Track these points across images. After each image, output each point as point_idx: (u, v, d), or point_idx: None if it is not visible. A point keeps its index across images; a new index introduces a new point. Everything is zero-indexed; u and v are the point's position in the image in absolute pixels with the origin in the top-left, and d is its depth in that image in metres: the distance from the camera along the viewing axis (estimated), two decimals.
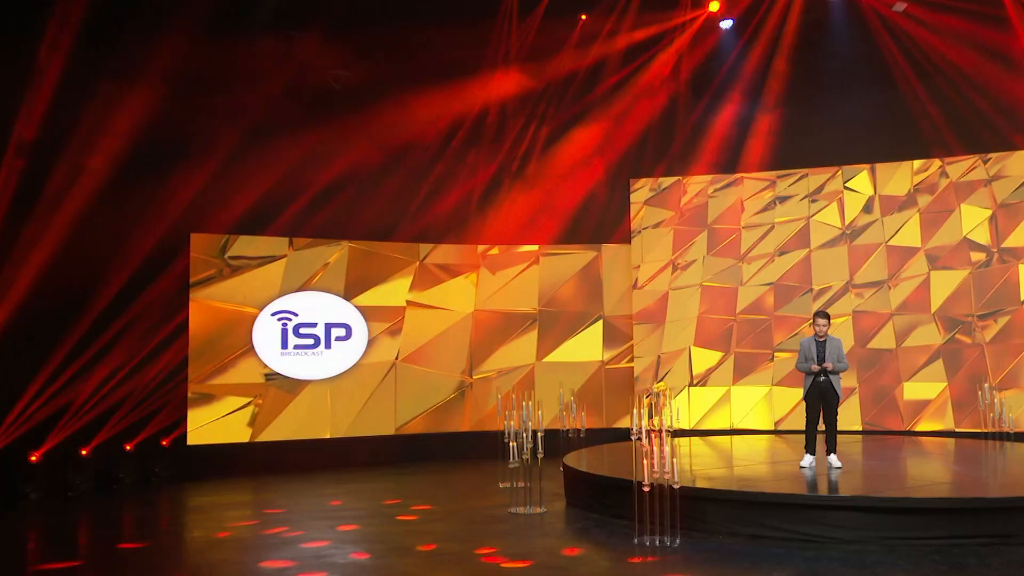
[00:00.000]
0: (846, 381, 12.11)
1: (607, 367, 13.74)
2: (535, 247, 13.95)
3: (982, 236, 12.29)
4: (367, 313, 12.97)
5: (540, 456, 8.75)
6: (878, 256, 12.79)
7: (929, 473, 8.58)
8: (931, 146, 12.59)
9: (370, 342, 12.93)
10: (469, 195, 13.64)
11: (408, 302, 13.22)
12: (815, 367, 8.60)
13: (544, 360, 13.62)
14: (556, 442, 10.79)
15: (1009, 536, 6.89)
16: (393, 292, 13.15)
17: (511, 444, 8.86)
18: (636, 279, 13.64)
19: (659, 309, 13.46)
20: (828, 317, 8.74)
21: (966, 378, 12.05)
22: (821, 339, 8.67)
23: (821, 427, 8.79)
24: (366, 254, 13.04)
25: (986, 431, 11.02)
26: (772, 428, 12.67)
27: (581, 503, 8.74)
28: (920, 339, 12.40)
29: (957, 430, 11.95)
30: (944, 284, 12.42)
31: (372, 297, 13.01)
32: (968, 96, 12.25)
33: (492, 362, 13.55)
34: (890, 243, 12.72)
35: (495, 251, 13.76)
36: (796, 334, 12.72)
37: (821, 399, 8.68)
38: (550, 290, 13.85)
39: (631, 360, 13.57)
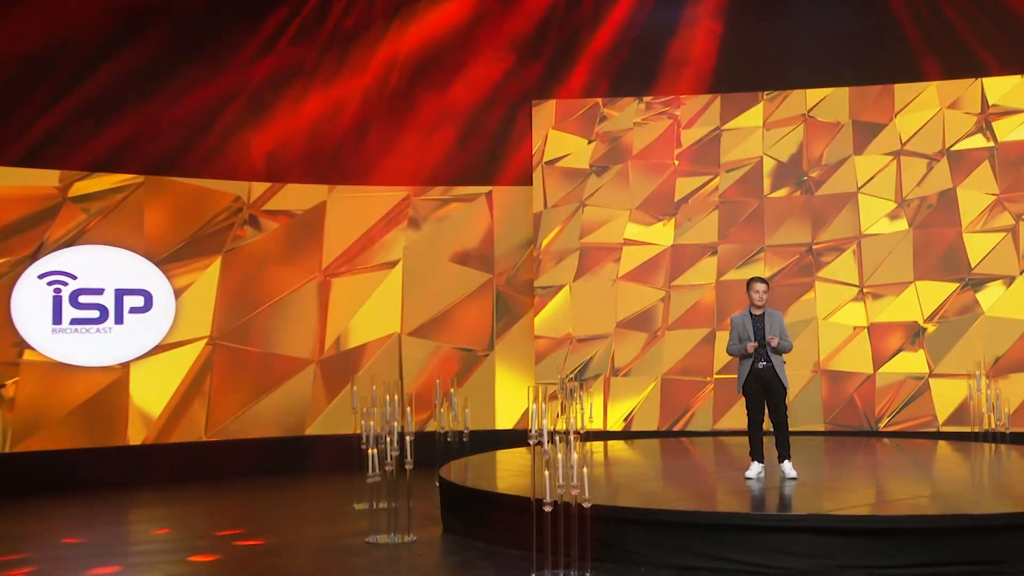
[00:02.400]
0: (799, 367, 12.47)
1: (499, 348, 13.97)
2: (403, 190, 14.01)
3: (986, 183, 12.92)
4: (173, 276, 12.83)
5: (409, 467, 8.76)
6: (850, 209, 13.29)
7: (906, 484, 8.79)
8: (924, 63, 13.23)
9: (178, 314, 12.83)
10: (313, 117, 13.62)
11: (231, 260, 13.16)
12: (750, 346, 8.80)
13: (413, 337, 13.79)
14: (430, 448, 10.91)
15: (1001, 562, 7.04)
16: (210, 245, 13.08)
17: (370, 452, 8.85)
18: (538, 235, 13.79)
19: (569, 274, 13.67)
20: (767, 283, 8.97)
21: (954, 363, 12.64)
22: (758, 312, 8.89)
23: (769, 427, 9.01)
24: (173, 195, 12.92)
25: (977, 431, 11.55)
26: (712, 429, 13.01)
27: (463, 528, 8.78)
28: (897, 314, 12.98)
29: (942, 430, 12.49)
30: (931, 245, 12.96)
31: (181, 254, 12.92)
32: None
33: (344, 337, 13.65)
34: (863, 191, 13.24)
35: (348, 194, 13.79)
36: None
37: (763, 392, 8.88)
38: (423, 247, 13.98)
39: (531, 341, 13.75)
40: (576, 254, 13.66)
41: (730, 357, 8.98)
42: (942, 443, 11.65)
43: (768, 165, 13.46)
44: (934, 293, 12.82)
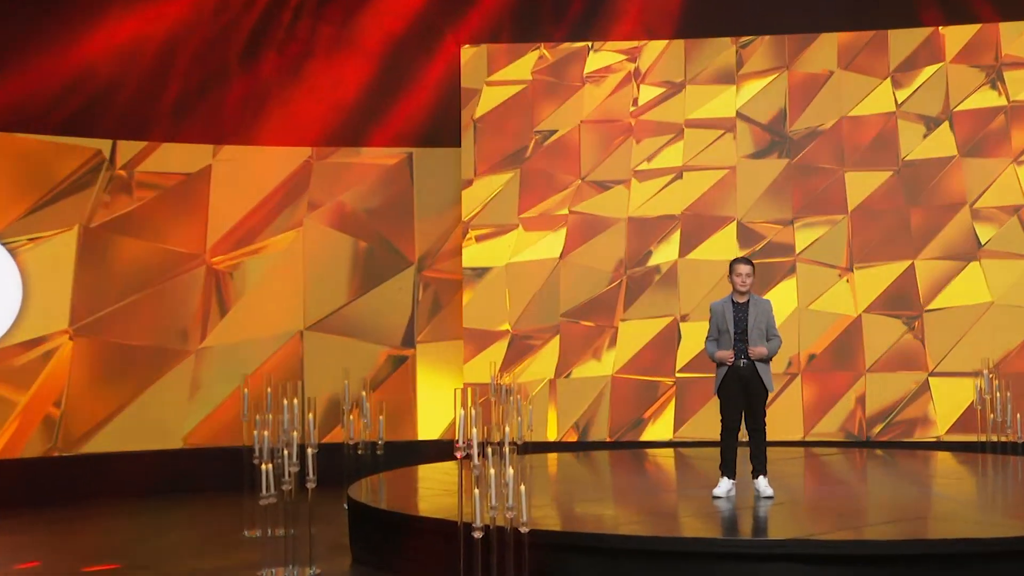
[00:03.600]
0: (774, 365, 12.46)
1: (421, 345, 13.95)
2: (306, 149, 13.90)
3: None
4: (20, 255, 12.66)
5: (311, 486, 8.72)
6: (836, 178, 13.35)
7: (901, 504, 8.90)
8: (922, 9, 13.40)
9: (24, 304, 12.66)
10: (189, 59, 13.50)
11: (88, 236, 13.02)
12: (726, 356, 8.81)
13: (316, 331, 13.72)
14: (338, 463, 10.86)
15: None
16: (63, 218, 12.91)
17: (264, 467, 8.76)
18: (468, 207, 13.70)
19: (505, 254, 13.63)
20: (752, 265, 8.98)
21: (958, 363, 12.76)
22: (742, 300, 8.92)
23: (744, 437, 9.02)
24: (17, 153, 12.74)
25: (984, 440, 11.62)
26: (672, 439, 13.09)
27: (375, 559, 8.78)
28: (892, 301, 13.07)
29: (944, 439, 12.69)
30: (933, 221, 13.12)
31: (29, 225, 12.72)
32: None
33: (233, 331, 13.58)
34: (852, 158, 13.33)
35: (237, 156, 13.70)
36: (712, 294, 12.92)
37: (743, 394, 8.89)
38: (328, 222, 13.89)
39: (459, 335, 13.74)
40: (515, 231, 13.63)
41: (709, 356, 8.98)
42: (943, 455, 11.79)
43: (742, 126, 13.54)
44: (936, 276, 12.98)
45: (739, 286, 8.87)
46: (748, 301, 8.89)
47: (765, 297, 9.52)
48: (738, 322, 8.85)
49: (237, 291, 13.64)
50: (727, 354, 8.81)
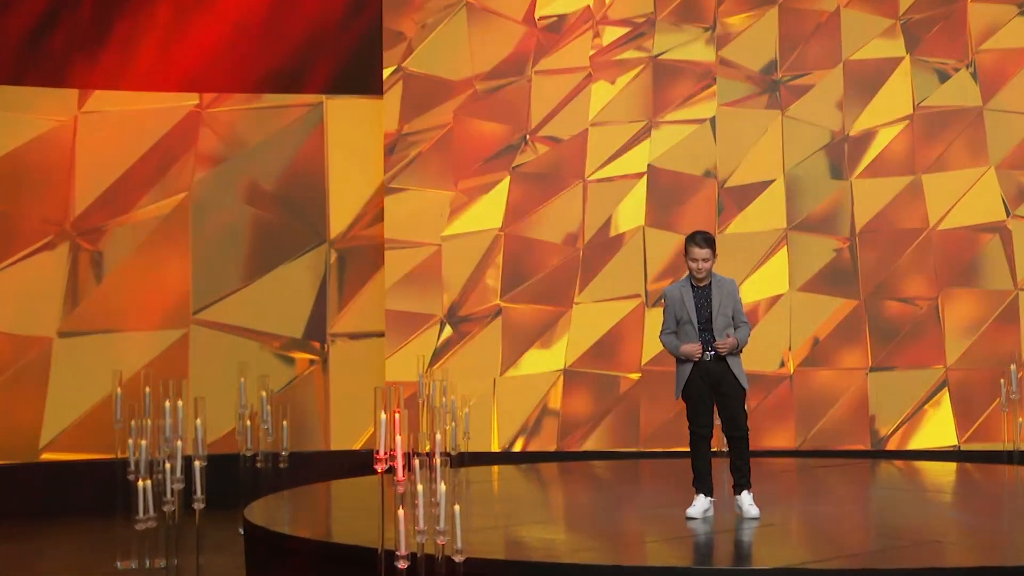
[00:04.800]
0: (761, 361, 12.53)
1: (334, 336, 13.91)
2: (192, 96, 13.73)
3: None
4: None
5: (199, 507, 8.67)
6: (835, 136, 13.40)
7: (911, 526, 8.89)
8: None
9: None
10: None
11: None
12: (691, 350, 8.81)
13: (205, 321, 13.64)
14: (232, 478, 10.89)
15: None
16: None
17: (140, 484, 8.72)
18: (391, 167, 13.60)
19: (435, 224, 13.55)
20: (711, 245, 8.86)
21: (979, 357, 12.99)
22: (702, 283, 8.87)
23: (720, 444, 9.15)
24: None
25: (1011, 448, 11.77)
26: (638, 448, 13.15)
27: None
28: (902, 283, 13.21)
29: (962, 448, 12.86)
30: (951, 184, 13.25)
31: None
32: None
33: (103, 319, 13.48)
34: (855, 125, 13.40)
35: (104, 102, 13.51)
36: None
37: (713, 394, 8.87)
38: (221, 186, 13.78)
39: (380, 324, 13.66)
40: (448, 195, 13.59)
41: (670, 352, 8.92)
42: (963, 466, 11.89)
43: (723, 72, 13.56)
44: (955, 252, 13.11)
45: (694, 271, 8.81)
46: (710, 283, 8.83)
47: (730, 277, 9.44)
48: (700, 309, 8.79)
49: (108, 270, 13.53)
50: (695, 347, 8.74)
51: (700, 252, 8.76)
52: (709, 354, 8.79)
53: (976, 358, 12.94)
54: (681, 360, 8.88)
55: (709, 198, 13.42)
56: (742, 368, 8.90)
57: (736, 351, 8.83)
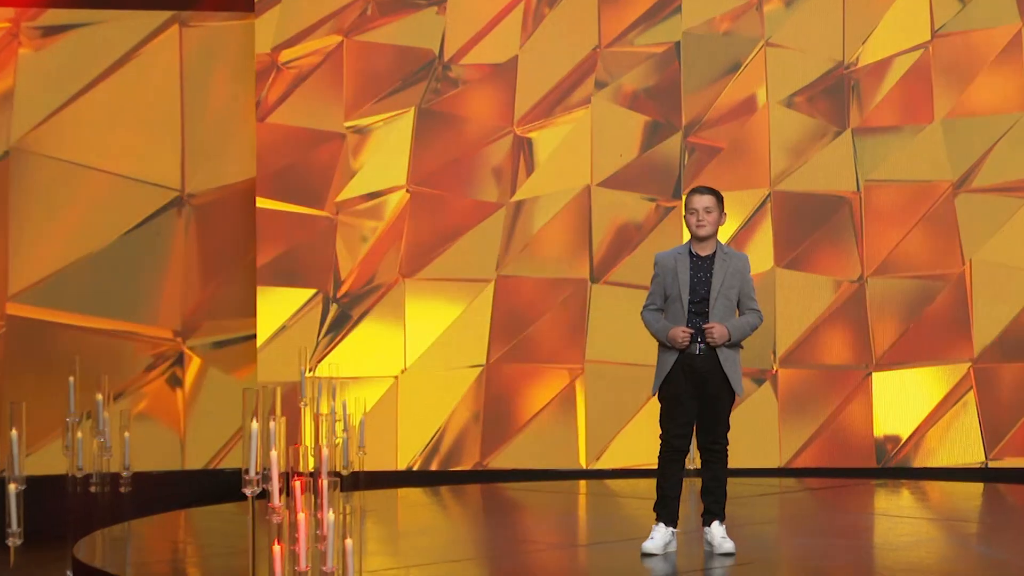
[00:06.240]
0: (754, 355, 12.36)
1: (192, 323, 13.63)
2: (6, 10, 13.20)
3: None
4: None
5: (15, 542, 8.44)
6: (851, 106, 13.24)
7: (923, 563, 8.86)
8: None
9: None
10: None
11: None
12: (680, 335, 8.62)
13: (22, 302, 13.43)
14: (58, 505, 10.57)
15: None
16: None
17: None
18: (265, 100, 13.26)
19: (324, 176, 13.19)
20: (716, 195, 8.72)
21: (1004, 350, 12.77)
22: (705, 251, 8.67)
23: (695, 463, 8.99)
24: None
25: None
26: (579, 466, 13.00)
27: None
28: (913, 259, 13.19)
29: (990, 466, 12.75)
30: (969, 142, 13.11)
31: None
32: None
33: None
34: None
35: None
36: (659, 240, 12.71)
37: (697, 396, 8.69)
38: (47, 126, 13.43)
39: (251, 307, 13.34)
40: (339, 141, 13.25)
41: (652, 334, 8.70)
42: (992, 487, 12.00)
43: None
44: (985, 216, 13.07)
45: (694, 226, 8.58)
46: (714, 253, 8.64)
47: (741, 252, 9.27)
48: (696, 284, 8.58)
49: None
50: (681, 332, 8.54)
51: (700, 200, 8.62)
52: (700, 346, 8.57)
53: (1011, 349, 12.89)
54: (664, 347, 8.69)
55: (668, 151, 13.25)
56: (738, 367, 8.67)
57: (733, 343, 8.61)
